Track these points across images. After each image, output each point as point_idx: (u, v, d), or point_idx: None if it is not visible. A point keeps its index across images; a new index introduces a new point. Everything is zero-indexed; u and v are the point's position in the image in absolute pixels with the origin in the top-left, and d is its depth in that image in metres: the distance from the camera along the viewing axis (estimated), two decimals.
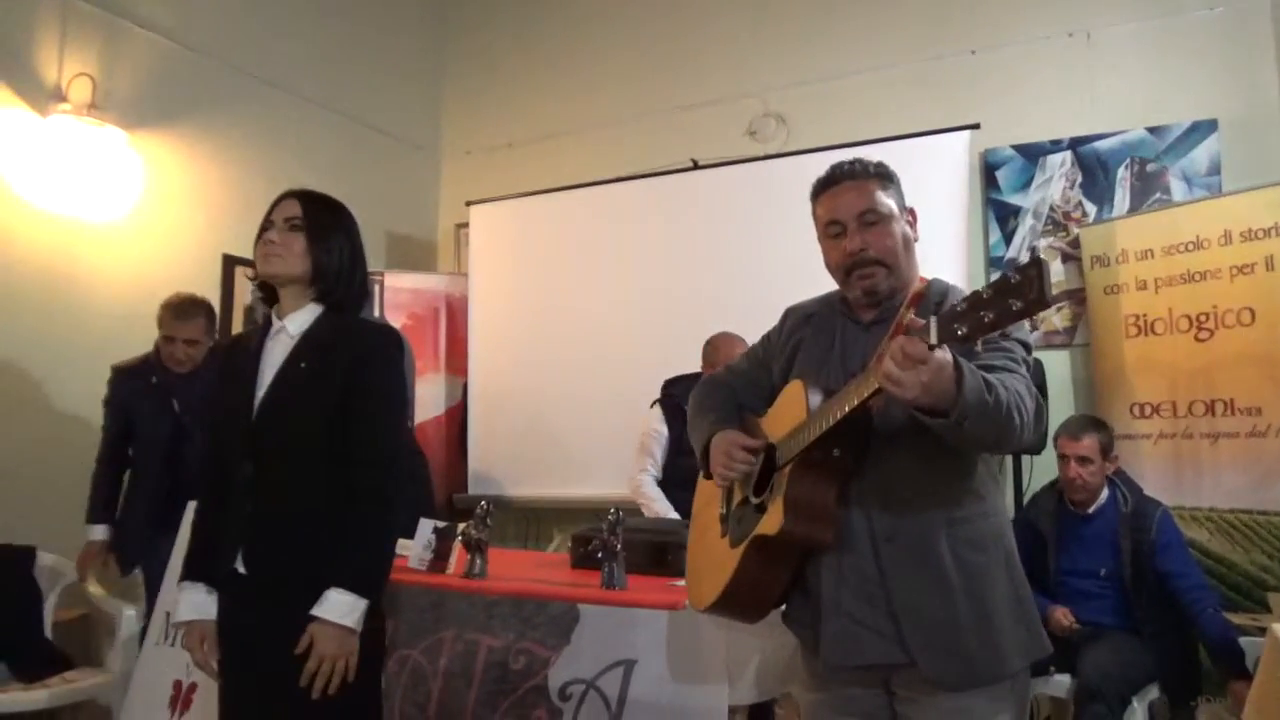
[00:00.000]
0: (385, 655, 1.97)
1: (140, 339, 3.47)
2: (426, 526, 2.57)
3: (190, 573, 1.90)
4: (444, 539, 2.55)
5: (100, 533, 3.25)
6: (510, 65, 5.42)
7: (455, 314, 4.78)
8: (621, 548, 2.26)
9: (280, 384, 1.84)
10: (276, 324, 1.91)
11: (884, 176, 1.68)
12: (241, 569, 1.81)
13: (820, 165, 1.73)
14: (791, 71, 4.58)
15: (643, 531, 2.56)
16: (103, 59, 3.89)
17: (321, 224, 1.89)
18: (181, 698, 2.44)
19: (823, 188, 1.70)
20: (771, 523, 1.53)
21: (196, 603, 1.86)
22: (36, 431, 3.58)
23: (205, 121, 4.30)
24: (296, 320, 1.89)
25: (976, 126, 3.84)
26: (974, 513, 1.56)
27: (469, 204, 4.84)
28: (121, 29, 3.97)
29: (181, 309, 3.29)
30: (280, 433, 1.81)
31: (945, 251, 3.61)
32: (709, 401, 1.85)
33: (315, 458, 1.80)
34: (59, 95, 3.71)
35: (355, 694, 1.73)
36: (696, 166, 4.40)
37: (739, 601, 1.65)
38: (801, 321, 1.78)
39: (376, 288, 4.65)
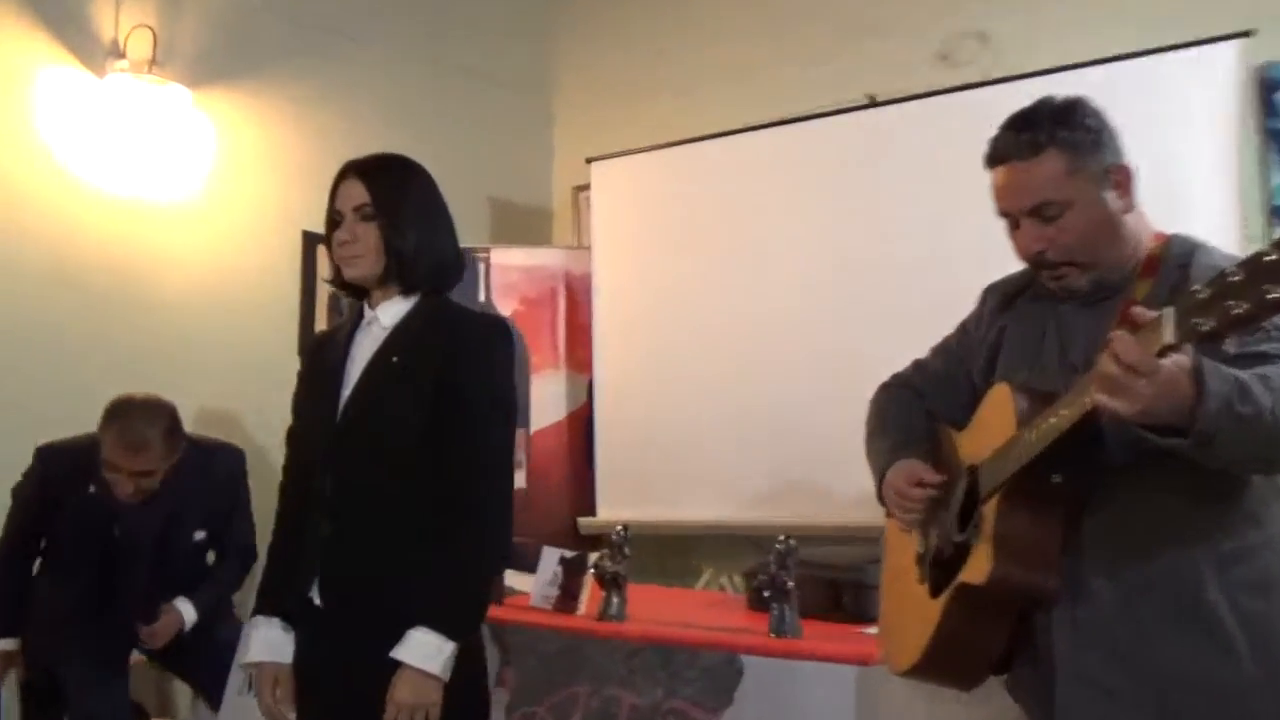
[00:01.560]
0: (488, 710, 2.00)
1: (215, 331, 3.66)
2: (551, 557, 2.61)
3: (264, 605, 1.98)
4: (573, 572, 2.58)
5: (10, 644, 3.17)
6: None
7: (577, 296, 4.83)
8: (794, 585, 2.24)
9: (368, 382, 1.92)
10: (369, 314, 2.00)
11: (1065, 143, 1.57)
12: (317, 600, 1.89)
13: (1034, 94, 1.65)
14: None
15: (819, 566, 2.54)
16: (163, 8, 4.10)
17: (393, 202, 1.96)
18: None
19: (986, 163, 1.66)
20: (977, 569, 1.48)
21: (270, 640, 1.93)
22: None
23: (278, 76, 4.48)
24: (390, 310, 1.98)
25: (1249, 34, 3.61)
26: (1252, 544, 1.47)
27: (590, 161, 4.87)
28: None
29: (131, 437, 3.04)
30: (366, 439, 1.89)
31: (1208, 199, 3.40)
32: (888, 416, 1.83)
33: (407, 470, 1.87)
34: (116, 51, 3.94)
35: None
36: (874, 104, 4.29)
37: (945, 665, 1.62)
38: (1003, 304, 1.74)
39: (481, 267, 4.74)
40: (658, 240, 4.65)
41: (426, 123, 4.95)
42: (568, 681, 2.32)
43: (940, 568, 1.62)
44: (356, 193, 1.96)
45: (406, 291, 1.98)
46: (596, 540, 3.18)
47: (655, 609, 2.54)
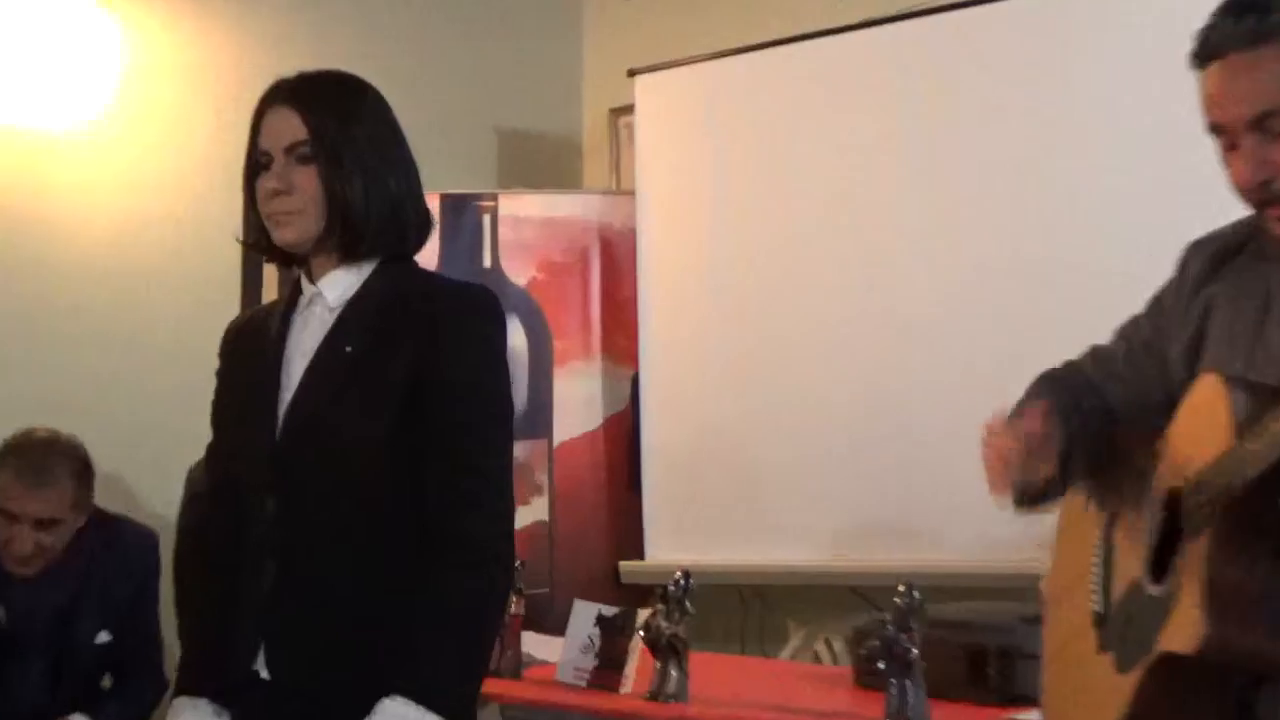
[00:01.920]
0: None
1: (124, 296, 3.74)
2: (586, 614, 2.60)
3: (188, 681, 1.97)
4: (615, 635, 2.57)
5: None
6: None
7: (616, 259, 4.82)
8: (919, 654, 2.22)
9: (316, 379, 1.90)
10: (308, 290, 1.98)
11: None
12: (264, 673, 1.87)
13: None
14: None
15: (953, 627, 2.52)
16: None
17: (339, 139, 1.92)
18: None
19: (1195, 61, 1.61)
20: (1183, 631, 1.44)
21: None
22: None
23: None
24: (336, 284, 1.96)
25: None
26: None
27: (632, 74, 4.85)
28: None
29: (34, 473, 3.14)
30: (316, 456, 1.87)
31: None
32: (1043, 387, 1.83)
33: (372, 495, 1.86)
34: None
35: None
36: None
37: None
38: (1209, 269, 1.71)
39: (486, 219, 4.74)
40: (725, 181, 4.61)
41: (406, 29, 4.97)
42: None
43: (1131, 628, 1.59)
44: (291, 126, 1.92)
45: (356, 258, 1.96)
46: (645, 592, 3.15)
47: (727, 686, 2.51)
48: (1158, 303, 1.81)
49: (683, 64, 4.77)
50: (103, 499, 3.58)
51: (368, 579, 1.85)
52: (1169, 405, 1.67)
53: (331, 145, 1.90)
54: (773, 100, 4.56)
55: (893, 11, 4.38)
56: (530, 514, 4.64)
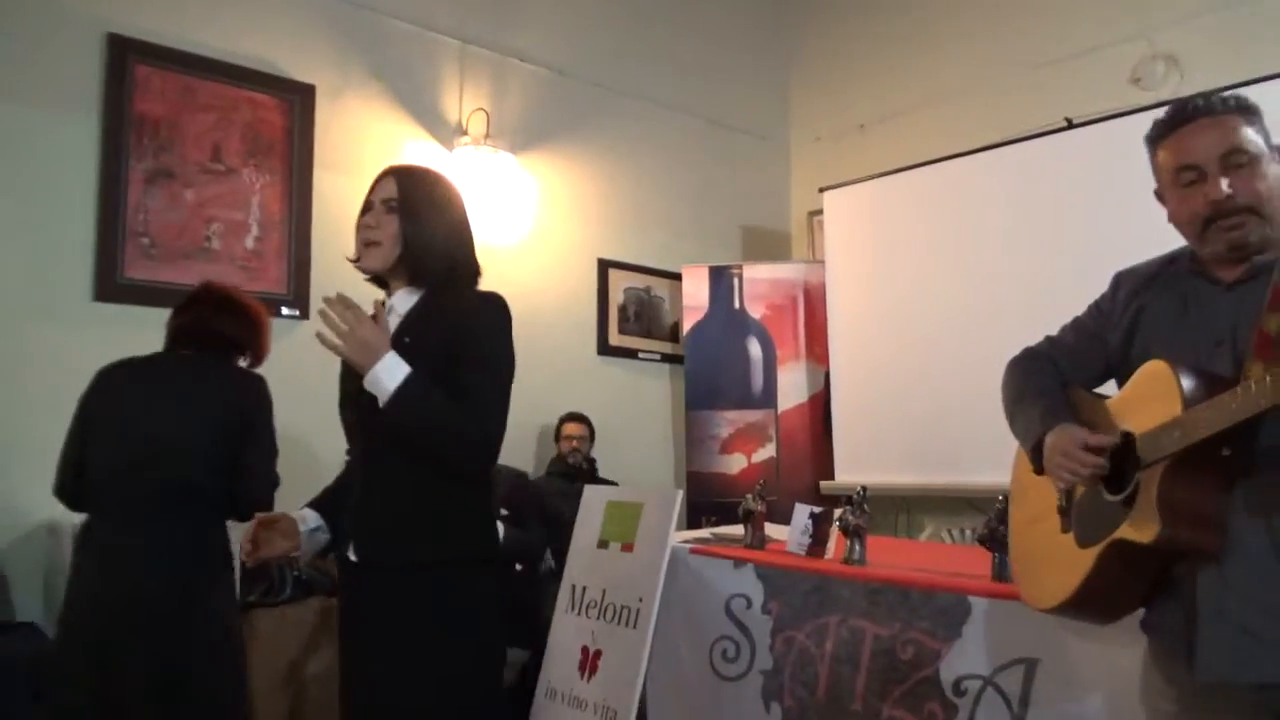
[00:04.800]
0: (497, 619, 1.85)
1: (529, 338, 3.93)
2: (803, 512, 2.61)
3: (313, 502, 1.95)
4: (820, 524, 2.56)
5: None
6: (856, 44, 5.32)
7: (813, 302, 4.77)
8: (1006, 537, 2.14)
9: None
10: (389, 303, 1.89)
11: (1248, 110, 1.44)
12: (353, 556, 1.81)
13: None
14: (1182, 2, 4.05)
15: None
16: (493, 93, 4.38)
17: (416, 200, 1.84)
18: (589, 662, 2.67)
19: (1168, 129, 1.49)
20: (1144, 530, 1.35)
21: (304, 514, 1.92)
22: None
23: (578, 136, 4.69)
24: (404, 300, 1.87)
25: None
26: None
27: (822, 190, 4.82)
28: (508, 65, 4.45)
29: None
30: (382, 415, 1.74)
31: None
32: (1033, 383, 1.66)
33: None
34: (460, 130, 4.24)
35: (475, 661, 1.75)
36: (1071, 125, 4.03)
37: (1091, 605, 1.50)
38: (1141, 285, 1.57)
39: (735, 280, 4.79)
40: (881, 252, 4.53)
41: (689, 165, 5.09)
42: (819, 613, 2.31)
43: (1089, 520, 1.49)
44: (389, 188, 1.85)
45: (418, 283, 1.86)
46: (834, 500, 3.15)
47: (890, 555, 2.48)
48: (1096, 308, 1.67)
49: (854, 182, 4.70)
50: None
51: (415, 500, 1.76)
52: (1101, 376, 1.62)
53: (410, 203, 1.83)
54: (913, 201, 4.46)
55: (999, 139, 4.24)
56: (765, 453, 4.65)
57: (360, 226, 1.86)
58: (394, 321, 1.84)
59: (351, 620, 1.83)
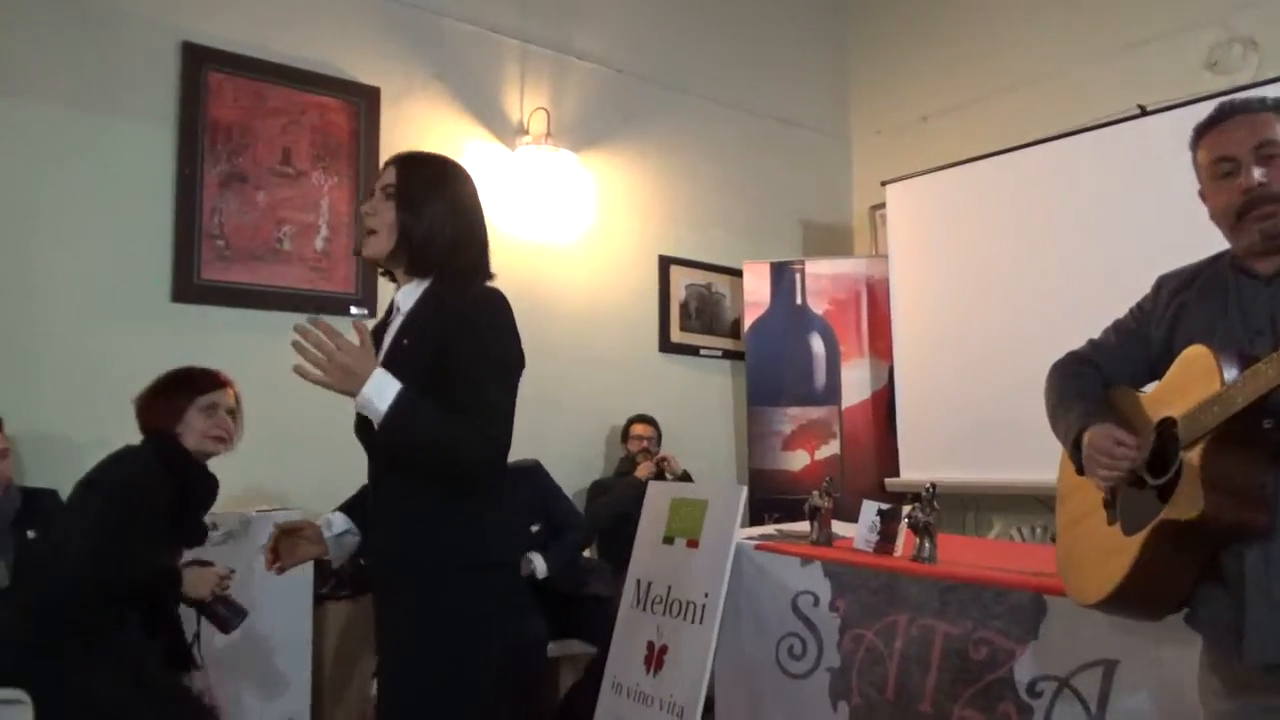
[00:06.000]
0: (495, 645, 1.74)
1: (590, 335, 3.94)
2: (870, 508, 2.57)
3: (343, 505, 1.91)
4: (889, 521, 2.53)
5: None
6: (916, 36, 5.24)
7: (876, 297, 4.71)
8: None
9: (388, 366, 1.67)
10: (394, 300, 1.80)
11: (1277, 109, 1.49)
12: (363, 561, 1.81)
13: None
14: None
15: None
16: (554, 92, 4.40)
17: (414, 188, 1.75)
18: (654, 658, 2.67)
19: (1207, 127, 1.57)
20: (1187, 506, 1.35)
21: (330, 518, 1.88)
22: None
23: (637, 134, 4.68)
24: (408, 295, 1.77)
25: None
26: None
27: (884, 184, 4.75)
28: (568, 64, 4.47)
29: None
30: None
31: None
32: (1073, 386, 1.69)
33: None
34: (522, 129, 4.27)
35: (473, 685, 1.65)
36: (1145, 113, 3.90)
37: (1140, 596, 1.48)
38: (1182, 285, 1.61)
39: (798, 276, 4.74)
40: (946, 246, 4.45)
41: (749, 161, 5.05)
42: (888, 611, 2.28)
43: (1135, 508, 1.49)
44: (389, 175, 1.78)
45: (420, 275, 1.77)
46: (899, 497, 3.09)
47: (960, 553, 2.43)
48: (1138, 309, 1.71)
49: (917, 175, 4.63)
50: None
51: (418, 506, 1.68)
52: (1145, 376, 1.63)
53: (408, 191, 1.75)
54: (979, 193, 4.38)
55: (1068, 128, 4.13)
56: (829, 450, 4.60)
57: (360, 214, 1.81)
58: (398, 322, 1.77)
59: (377, 628, 1.81)
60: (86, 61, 3.25)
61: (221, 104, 3.50)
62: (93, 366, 3.15)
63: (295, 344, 1.58)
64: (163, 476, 2.29)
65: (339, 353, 1.58)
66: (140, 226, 3.32)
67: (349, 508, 1.93)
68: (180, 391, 2.39)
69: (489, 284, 1.79)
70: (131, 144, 3.32)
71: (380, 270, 1.83)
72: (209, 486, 2.42)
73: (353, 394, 1.61)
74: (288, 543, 1.85)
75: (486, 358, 1.67)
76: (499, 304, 1.73)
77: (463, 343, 1.65)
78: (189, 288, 3.37)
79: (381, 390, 1.59)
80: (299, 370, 1.58)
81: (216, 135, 3.48)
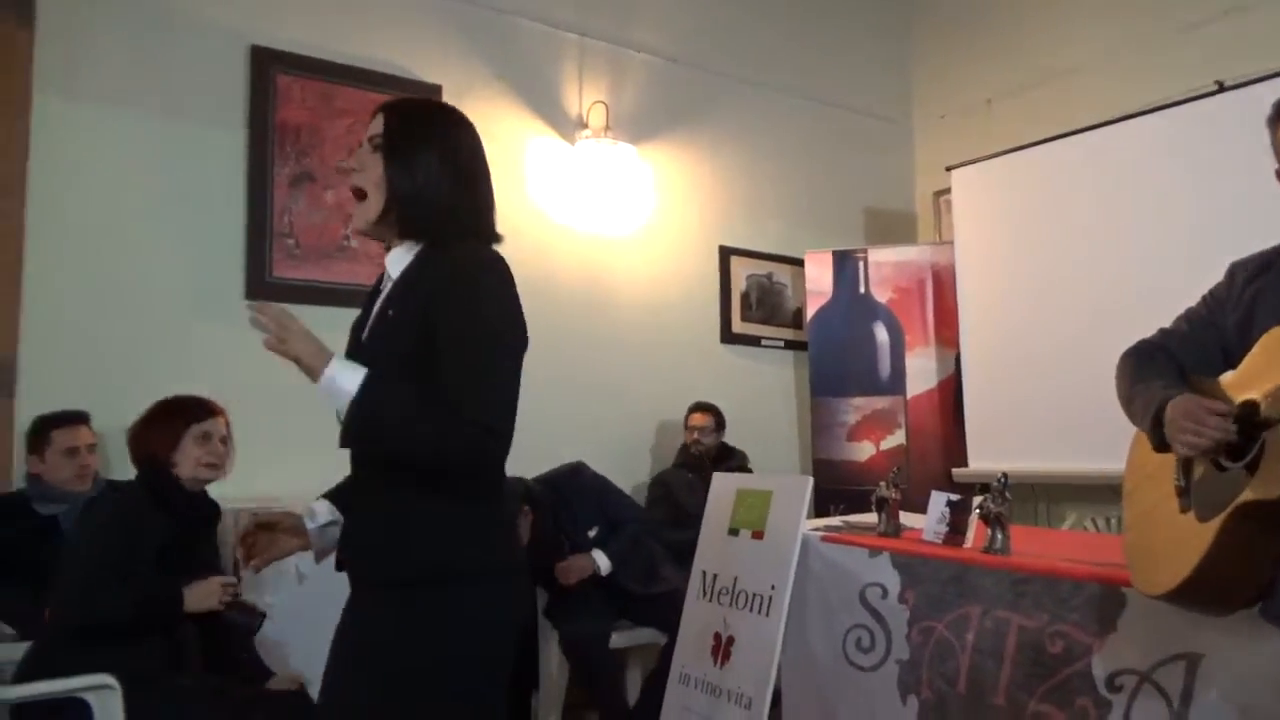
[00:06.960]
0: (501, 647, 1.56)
1: (651, 327, 3.97)
2: (939, 499, 2.53)
3: (329, 493, 1.71)
4: (958, 512, 2.48)
5: None
6: (978, 17, 5.12)
7: (942, 284, 4.63)
8: None
9: (370, 340, 1.55)
10: (387, 269, 1.60)
11: None
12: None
13: None
14: None
15: None
16: (612, 85, 4.41)
17: (404, 137, 1.53)
18: (721, 649, 2.67)
19: None
20: (1269, 486, 1.30)
21: (314, 507, 1.68)
22: (570, 408, 4.04)
23: (697, 125, 4.67)
24: (398, 262, 1.56)
25: None
26: None
27: (949, 169, 4.66)
28: (626, 57, 4.47)
29: None
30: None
31: None
32: (1149, 367, 1.65)
33: None
34: (581, 123, 4.28)
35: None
36: (1222, 89, 3.77)
37: (1213, 585, 1.45)
38: (1257, 271, 1.58)
39: (861, 264, 4.68)
40: (1013, 231, 4.36)
41: (809, 149, 4.99)
42: (959, 603, 2.23)
43: (1212, 494, 1.44)
44: (376, 125, 1.57)
45: (412, 237, 1.56)
46: (968, 487, 3.04)
47: (1033, 544, 2.39)
48: (1211, 295, 1.68)
49: (983, 159, 4.53)
50: None
51: (398, 504, 1.49)
52: (1219, 363, 1.60)
53: (398, 142, 1.54)
54: (1047, 177, 4.27)
55: (1140, 108, 4.02)
56: (894, 440, 4.55)
57: (342, 170, 1.67)
58: (386, 291, 1.58)
59: (340, 626, 1.57)
60: (160, 70, 3.34)
61: (290, 105, 3.57)
62: (173, 363, 3.24)
63: (252, 321, 1.46)
64: (152, 510, 2.31)
65: (291, 339, 1.44)
66: (215, 227, 3.41)
67: (335, 494, 1.73)
68: (174, 421, 2.41)
69: (492, 248, 1.57)
70: (205, 147, 3.41)
71: (386, 246, 1.62)
72: (203, 515, 2.45)
73: (312, 379, 1.44)
74: (265, 538, 1.65)
75: (478, 330, 1.45)
76: (495, 268, 1.51)
77: (451, 312, 1.44)
78: (261, 286, 3.45)
79: (336, 388, 1.42)
80: (267, 344, 1.45)
81: (285, 136, 3.56)
